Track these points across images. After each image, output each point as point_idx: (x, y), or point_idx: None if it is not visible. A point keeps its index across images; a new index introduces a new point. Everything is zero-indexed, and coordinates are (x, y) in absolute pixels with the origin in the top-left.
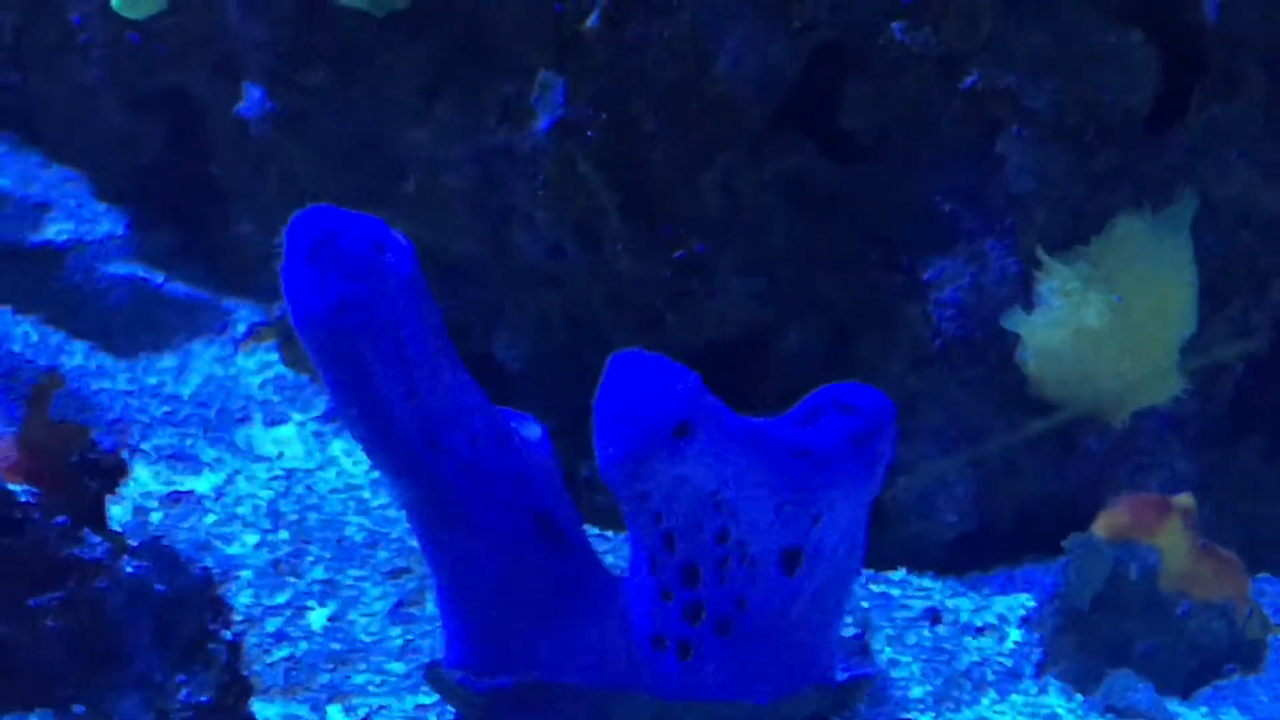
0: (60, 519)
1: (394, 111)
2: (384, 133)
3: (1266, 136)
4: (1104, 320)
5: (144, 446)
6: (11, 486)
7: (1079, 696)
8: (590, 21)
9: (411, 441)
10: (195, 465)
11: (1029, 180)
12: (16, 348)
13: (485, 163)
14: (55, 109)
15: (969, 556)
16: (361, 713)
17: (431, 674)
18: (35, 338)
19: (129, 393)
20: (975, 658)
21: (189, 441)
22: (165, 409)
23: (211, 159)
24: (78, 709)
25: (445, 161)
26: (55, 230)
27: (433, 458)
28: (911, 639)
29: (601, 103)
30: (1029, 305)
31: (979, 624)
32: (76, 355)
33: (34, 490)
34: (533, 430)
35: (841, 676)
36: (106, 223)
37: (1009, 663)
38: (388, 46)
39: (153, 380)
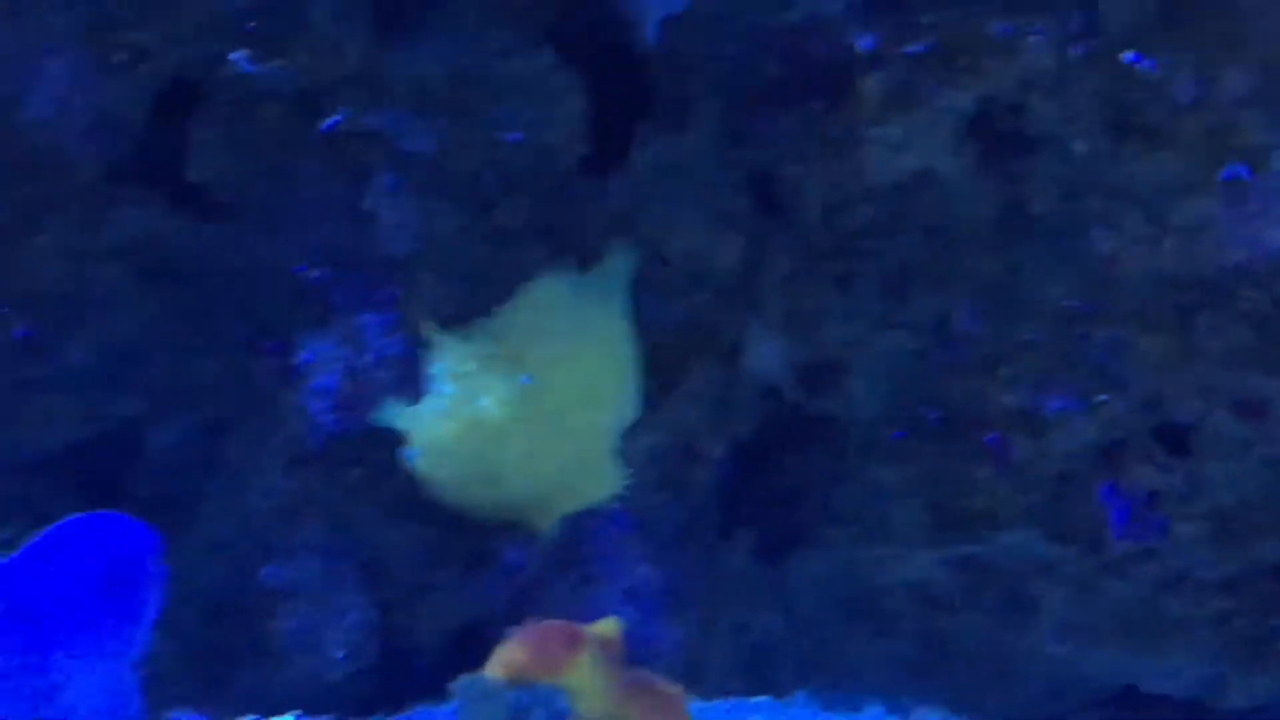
0: None
1: None
2: None
3: (721, 178)
4: (508, 408)
5: None
6: None
7: None
8: None
9: None
10: None
11: (410, 240)
12: None
13: None
14: None
15: (378, 695)
16: None
17: None
18: None
19: None
20: None
21: None
22: None
23: None
24: None
25: None
26: None
27: None
28: None
29: None
30: (417, 393)
31: None
32: None
33: None
34: None
35: None
36: None
37: None
38: None
39: None
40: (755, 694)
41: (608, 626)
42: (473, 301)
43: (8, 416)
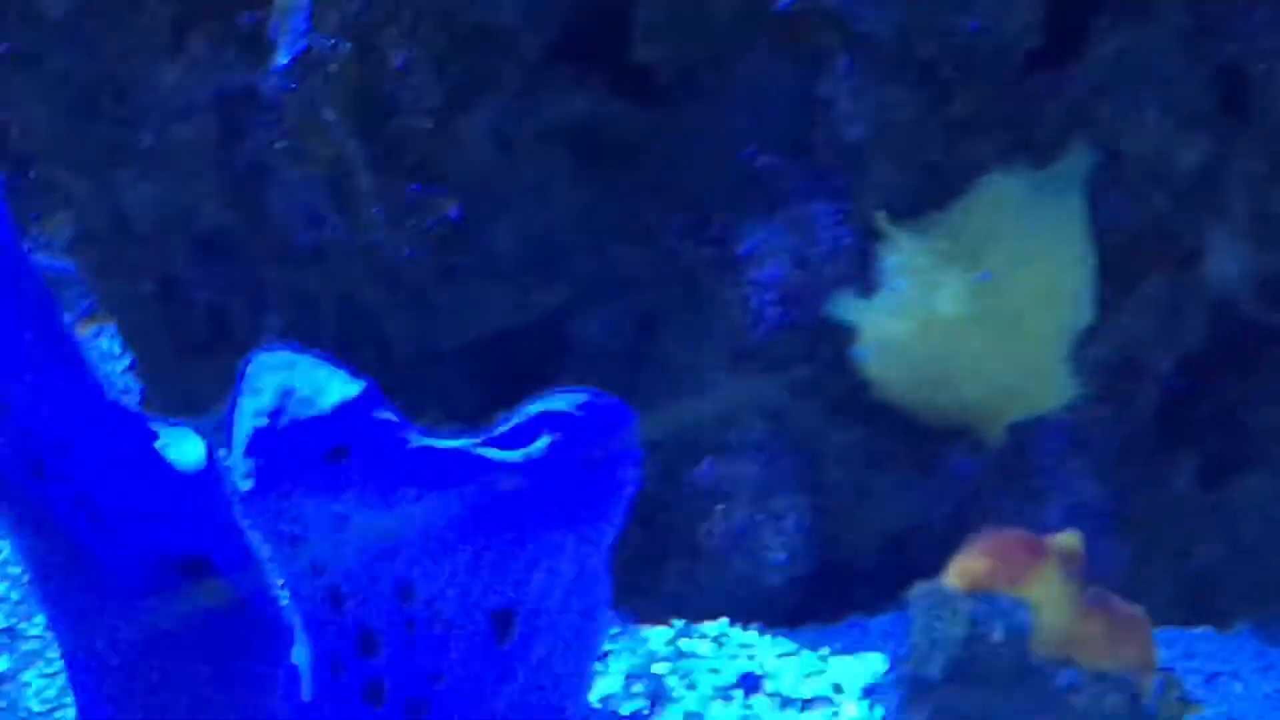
0: None
1: (140, 49)
2: (128, 73)
3: (1185, 74)
4: (964, 306)
5: None
6: None
7: None
8: None
9: (5, 468)
10: None
11: (864, 127)
12: None
13: (227, 109)
14: None
15: (811, 604)
16: None
17: None
18: None
19: None
20: None
21: None
22: None
23: None
24: None
25: (184, 107)
26: None
27: (39, 489)
28: (715, 714)
29: (347, 31)
30: (869, 286)
31: (808, 695)
32: None
33: None
34: (190, 449)
35: None
36: None
37: None
38: None
39: None
40: (1195, 624)
41: (1069, 539)
42: (927, 193)
43: (431, 304)
